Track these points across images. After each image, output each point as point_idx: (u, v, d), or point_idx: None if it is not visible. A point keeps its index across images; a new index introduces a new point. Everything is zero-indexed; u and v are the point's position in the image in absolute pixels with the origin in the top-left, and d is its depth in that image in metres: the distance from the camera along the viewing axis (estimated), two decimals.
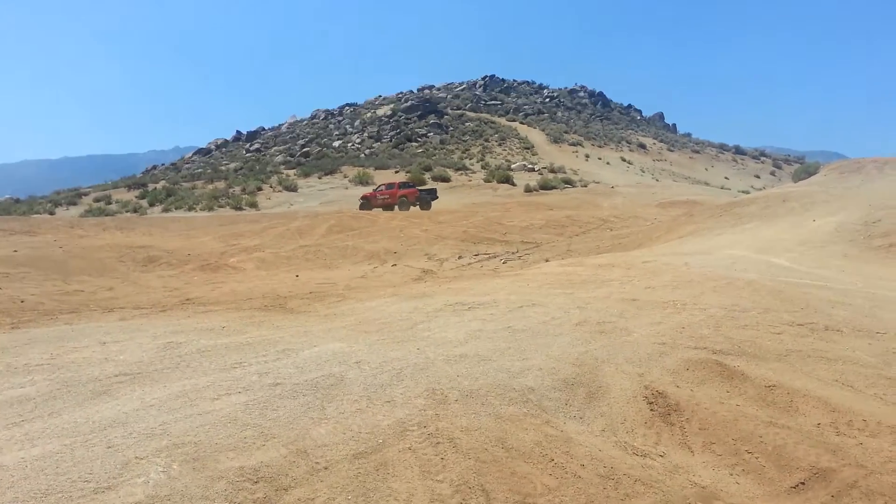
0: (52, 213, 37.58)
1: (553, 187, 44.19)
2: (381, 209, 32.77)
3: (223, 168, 64.76)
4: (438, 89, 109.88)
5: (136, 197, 43.07)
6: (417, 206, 33.16)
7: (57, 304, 9.31)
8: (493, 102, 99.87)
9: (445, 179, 48.31)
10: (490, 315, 6.49)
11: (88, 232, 21.26)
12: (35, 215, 34.58)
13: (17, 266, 13.17)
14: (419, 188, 35.19)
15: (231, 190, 44.29)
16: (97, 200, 41.94)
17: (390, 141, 74.09)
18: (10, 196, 51.26)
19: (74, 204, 41.37)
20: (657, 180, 61.19)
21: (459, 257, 16.27)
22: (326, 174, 52.32)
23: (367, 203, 33.83)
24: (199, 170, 67.77)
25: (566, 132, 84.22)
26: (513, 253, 16.23)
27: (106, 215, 34.71)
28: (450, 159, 61.09)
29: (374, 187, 36.83)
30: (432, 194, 34.24)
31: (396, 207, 33.09)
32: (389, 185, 34.72)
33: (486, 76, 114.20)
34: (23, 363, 5.03)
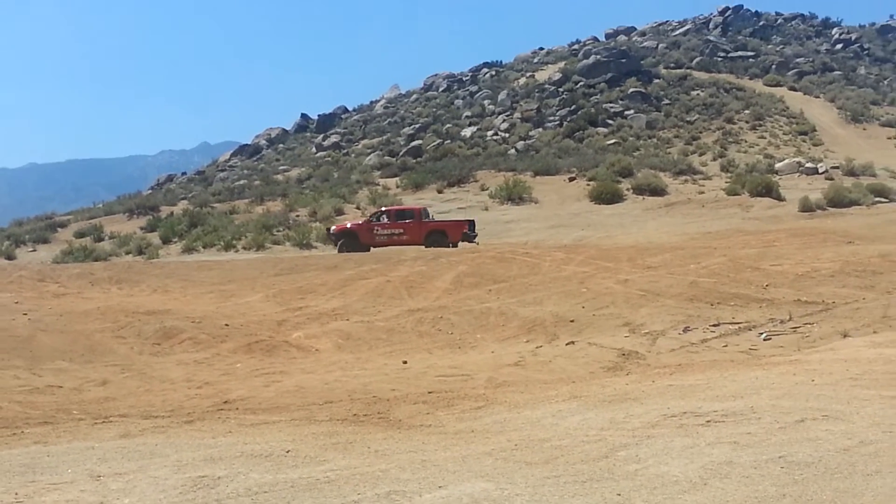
0: (10, 258, 28.93)
1: (853, 202, 30.59)
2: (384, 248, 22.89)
3: (280, 177, 47.93)
4: (642, 34, 75.04)
5: (141, 229, 33.25)
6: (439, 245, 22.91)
7: (20, 410, 7.66)
8: (739, 54, 66.54)
9: (657, 191, 33.85)
10: (745, 435, 4.89)
11: (68, 287, 17.44)
12: None
13: None
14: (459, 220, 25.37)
15: (293, 215, 32.84)
16: (80, 235, 32.36)
17: (560, 125, 51.45)
18: None
19: (45, 241, 32.06)
20: None
21: (685, 329, 11.97)
22: (451, 185, 37.37)
23: (351, 240, 23.52)
24: (242, 181, 49.95)
25: (876, 103, 56.45)
26: (782, 322, 11.94)
27: (95, 259, 26.64)
28: (664, 155, 43.50)
29: (372, 214, 26.15)
30: (471, 228, 24.82)
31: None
32: (402, 213, 24.77)
33: (725, 8, 75.80)
34: None
